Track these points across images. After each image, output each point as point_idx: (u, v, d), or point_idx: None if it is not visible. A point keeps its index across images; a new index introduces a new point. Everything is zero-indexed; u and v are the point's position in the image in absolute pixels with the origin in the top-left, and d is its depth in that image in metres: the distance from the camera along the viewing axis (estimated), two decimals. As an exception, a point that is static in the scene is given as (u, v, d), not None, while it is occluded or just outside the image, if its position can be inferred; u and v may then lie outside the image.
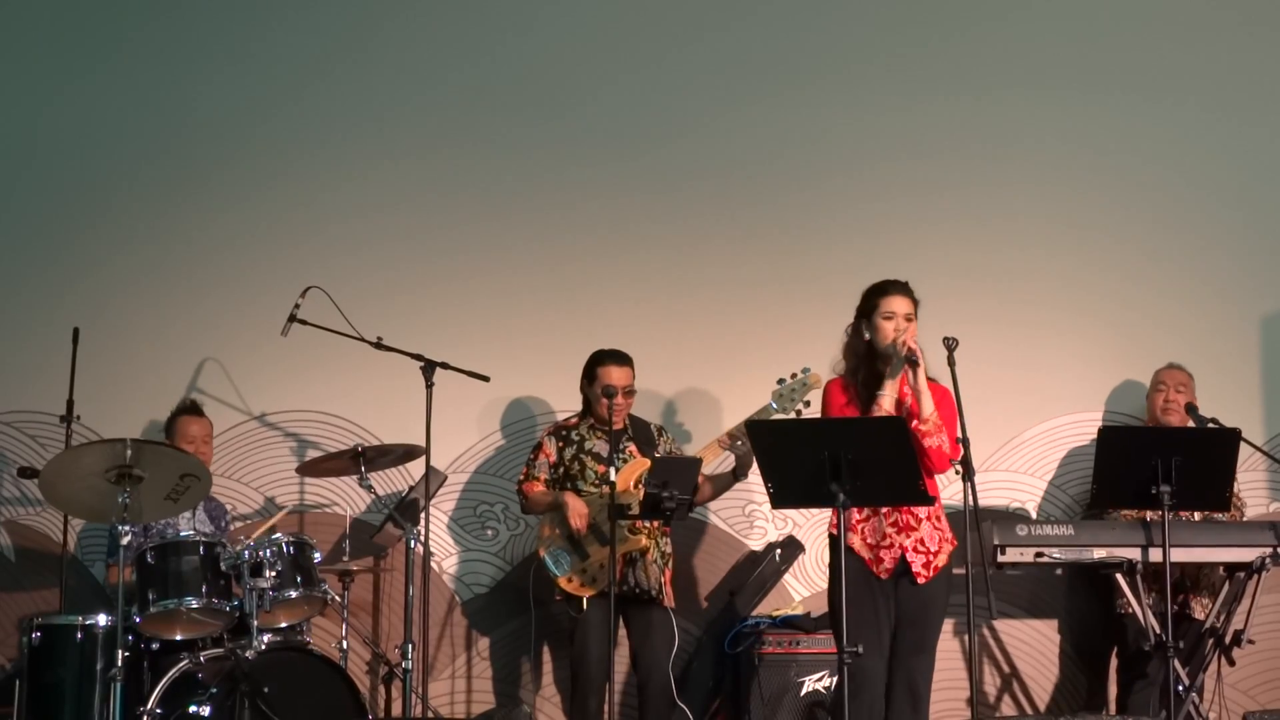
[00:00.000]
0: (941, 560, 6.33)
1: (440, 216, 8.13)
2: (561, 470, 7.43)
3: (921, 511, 6.30)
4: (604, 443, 7.35)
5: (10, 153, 8.12)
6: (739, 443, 7.18)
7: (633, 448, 7.41)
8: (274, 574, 6.75)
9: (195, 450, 7.40)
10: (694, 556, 7.91)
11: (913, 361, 6.25)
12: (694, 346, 8.02)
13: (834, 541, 6.24)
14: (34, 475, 7.24)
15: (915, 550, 6.29)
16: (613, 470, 7.02)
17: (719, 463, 7.39)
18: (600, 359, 7.42)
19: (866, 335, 6.39)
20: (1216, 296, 8.10)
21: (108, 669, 6.56)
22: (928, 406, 6.25)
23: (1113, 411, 8.00)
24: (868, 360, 6.38)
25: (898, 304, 6.38)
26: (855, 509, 6.28)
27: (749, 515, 7.93)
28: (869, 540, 6.29)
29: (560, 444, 7.46)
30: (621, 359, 7.41)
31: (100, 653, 6.76)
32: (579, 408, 7.56)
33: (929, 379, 6.33)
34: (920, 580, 6.28)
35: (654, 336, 7.89)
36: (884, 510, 6.25)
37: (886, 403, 6.27)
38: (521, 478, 7.52)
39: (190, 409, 7.63)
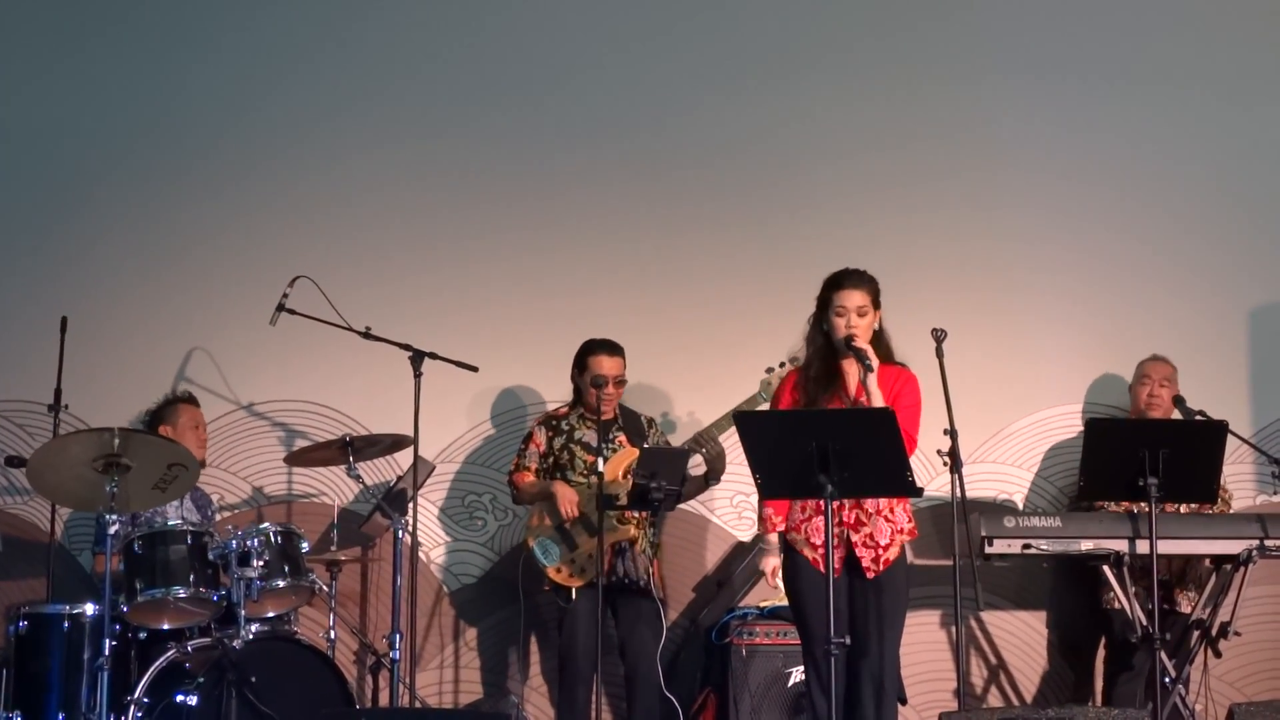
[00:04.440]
0: (893, 554, 6.22)
1: (430, 206, 8.12)
2: (551, 460, 7.42)
3: (871, 506, 6.20)
4: (594, 432, 7.34)
5: (-4, 141, 8.12)
6: (704, 450, 7.20)
7: (622, 438, 7.41)
8: (261, 563, 6.74)
9: (196, 438, 7.42)
10: (682, 547, 7.90)
11: (861, 359, 6.13)
12: (682, 336, 7.99)
13: (783, 538, 6.25)
14: (21, 464, 7.21)
15: (864, 545, 6.20)
16: (600, 460, 7.03)
17: (691, 466, 7.35)
18: (591, 349, 7.42)
19: (824, 328, 6.31)
20: (1206, 288, 8.09)
21: (95, 658, 6.55)
22: (877, 404, 6.12)
23: (1094, 403, 8.00)
24: (822, 354, 6.30)
25: (848, 298, 6.24)
26: (799, 506, 6.25)
27: (737, 506, 7.93)
28: (814, 540, 6.17)
29: (550, 433, 7.46)
30: (612, 349, 7.41)
31: (87, 642, 6.74)
32: (569, 398, 7.56)
33: (899, 364, 6.29)
34: (869, 575, 6.19)
35: (643, 326, 7.86)
36: (833, 505, 5.98)
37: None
38: (512, 468, 7.51)
39: (189, 399, 7.62)
